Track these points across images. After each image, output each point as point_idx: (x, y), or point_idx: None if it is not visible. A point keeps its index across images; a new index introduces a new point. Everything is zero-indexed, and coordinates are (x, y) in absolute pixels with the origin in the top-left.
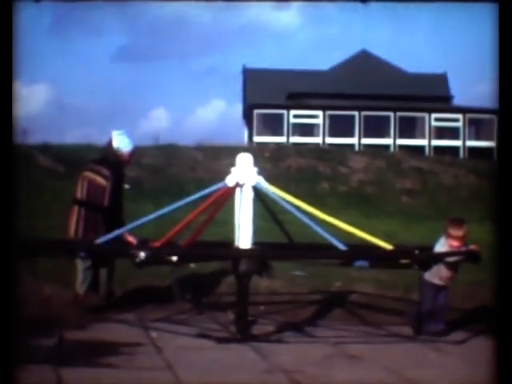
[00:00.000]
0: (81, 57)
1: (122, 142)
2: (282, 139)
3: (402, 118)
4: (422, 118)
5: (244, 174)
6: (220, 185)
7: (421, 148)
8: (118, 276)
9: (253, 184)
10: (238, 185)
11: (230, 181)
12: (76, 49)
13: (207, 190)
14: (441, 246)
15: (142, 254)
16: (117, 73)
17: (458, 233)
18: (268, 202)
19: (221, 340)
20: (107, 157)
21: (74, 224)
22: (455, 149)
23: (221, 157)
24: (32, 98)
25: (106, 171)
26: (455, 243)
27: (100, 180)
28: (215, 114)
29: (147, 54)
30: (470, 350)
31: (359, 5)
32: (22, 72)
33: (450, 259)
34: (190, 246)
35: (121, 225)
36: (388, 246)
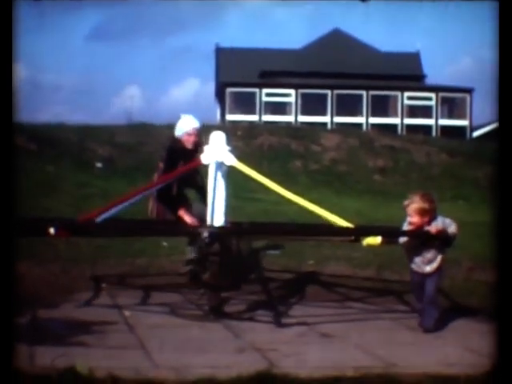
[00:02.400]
0: (54, 35)
1: (177, 129)
2: (254, 118)
3: (374, 97)
4: (395, 97)
5: (217, 152)
6: (193, 163)
7: (393, 126)
8: (87, 255)
9: (226, 162)
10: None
11: (203, 159)
12: (49, 27)
13: (184, 168)
14: (404, 226)
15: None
16: (90, 51)
17: (410, 205)
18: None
19: (193, 318)
20: (170, 142)
21: (150, 206)
22: (428, 127)
23: None
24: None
25: (164, 155)
26: (410, 218)
27: (160, 163)
28: (189, 92)
29: (121, 32)
30: (442, 328)
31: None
32: None
33: (401, 239)
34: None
35: (174, 203)
36: (349, 225)
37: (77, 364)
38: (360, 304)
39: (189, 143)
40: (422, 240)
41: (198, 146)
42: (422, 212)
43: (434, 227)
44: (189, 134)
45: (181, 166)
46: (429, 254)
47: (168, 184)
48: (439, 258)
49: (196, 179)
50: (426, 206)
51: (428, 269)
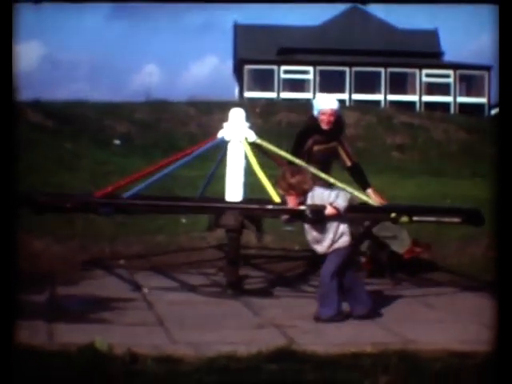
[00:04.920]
0: (74, 13)
1: (314, 108)
2: (272, 95)
3: (392, 74)
4: (413, 74)
5: (236, 128)
6: (217, 140)
7: (411, 104)
8: (106, 232)
9: (244, 139)
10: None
11: (222, 135)
12: (69, 5)
13: (208, 145)
14: None
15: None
16: (110, 28)
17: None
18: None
19: (212, 295)
20: (307, 120)
21: None
22: (446, 105)
23: (212, 112)
24: (24, 55)
25: (298, 132)
26: (287, 197)
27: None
28: (208, 69)
29: (141, 10)
30: (461, 305)
31: None
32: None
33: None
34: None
35: None
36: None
37: (96, 341)
38: (378, 280)
39: (324, 123)
40: (294, 216)
41: (336, 127)
42: (283, 188)
43: (291, 202)
44: (323, 113)
45: (309, 145)
46: (314, 233)
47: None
48: (329, 237)
49: (327, 161)
50: (286, 181)
51: (319, 249)
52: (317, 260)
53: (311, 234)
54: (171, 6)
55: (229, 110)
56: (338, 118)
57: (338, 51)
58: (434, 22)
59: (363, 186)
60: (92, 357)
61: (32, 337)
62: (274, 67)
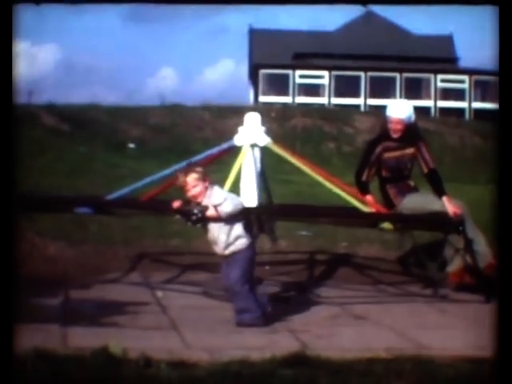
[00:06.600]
0: (90, 16)
1: (387, 111)
2: (287, 99)
3: (407, 79)
4: (428, 79)
5: (252, 133)
6: (225, 145)
7: (426, 109)
8: (120, 236)
9: (261, 144)
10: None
11: (237, 140)
12: (85, 8)
13: (213, 150)
14: None
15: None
16: (125, 32)
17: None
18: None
19: (226, 300)
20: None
21: None
22: (461, 110)
23: (227, 116)
24: (40, 59)
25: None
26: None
27: None
28: (223, 73)
29: (156, 14)
30: (474, 311)
31: None
32: (29, 33)
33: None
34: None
35: (362, 189)
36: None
37: (110, 345)
38: (393, 286)
39: (391, 131)
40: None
41: (408, 135)
42: (180, 183)
43: (176, 202)
44: (390, 122)
45: (378, 152)
46: (209, 234)
47: (362, 169)
48: (223, 239)
49: (402, 168)
50: (183, 178)
51: (216, 249)
52: (331, 265)
53: (208, 234)
54: (186, 9)
55: (243, 114)
56: (407, 127)
57: (353, 56)
58: (448, 25)
59: (438, 193)
60: (106, 361)
61: (46, 340)
62: (290, 72)
